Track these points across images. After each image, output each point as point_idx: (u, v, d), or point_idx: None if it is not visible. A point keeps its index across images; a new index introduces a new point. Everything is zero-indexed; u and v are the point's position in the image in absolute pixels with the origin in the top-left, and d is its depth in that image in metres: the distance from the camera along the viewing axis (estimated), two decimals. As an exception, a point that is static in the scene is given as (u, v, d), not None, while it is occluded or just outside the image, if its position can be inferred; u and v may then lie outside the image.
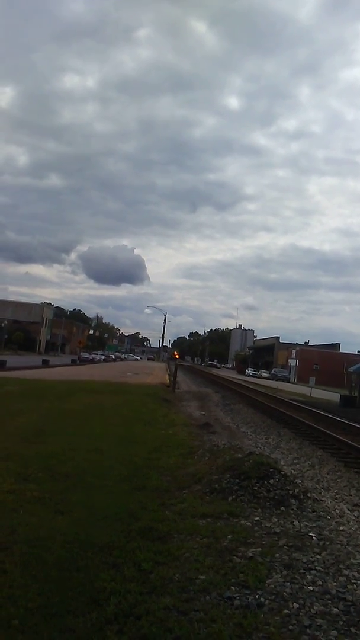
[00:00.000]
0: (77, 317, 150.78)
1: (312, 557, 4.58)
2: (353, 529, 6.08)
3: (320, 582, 4.07)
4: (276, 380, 68.72)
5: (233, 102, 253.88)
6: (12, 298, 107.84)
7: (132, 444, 9.90)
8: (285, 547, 4.82)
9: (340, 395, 36.98)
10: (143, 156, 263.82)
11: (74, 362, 57.91)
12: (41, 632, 3.27)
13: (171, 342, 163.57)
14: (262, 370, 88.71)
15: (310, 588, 3.97)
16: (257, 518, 5.71)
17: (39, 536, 4.72)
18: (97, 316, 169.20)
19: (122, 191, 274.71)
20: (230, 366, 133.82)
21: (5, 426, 10.32)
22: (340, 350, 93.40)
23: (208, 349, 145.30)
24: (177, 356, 43.51)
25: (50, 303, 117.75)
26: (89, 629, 3.33)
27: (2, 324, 75.47)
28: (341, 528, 5.80)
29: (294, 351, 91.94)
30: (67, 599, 3.67)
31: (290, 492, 6.47)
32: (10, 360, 37.35)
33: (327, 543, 5.02)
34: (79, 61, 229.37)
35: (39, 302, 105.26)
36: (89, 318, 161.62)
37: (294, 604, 3.72)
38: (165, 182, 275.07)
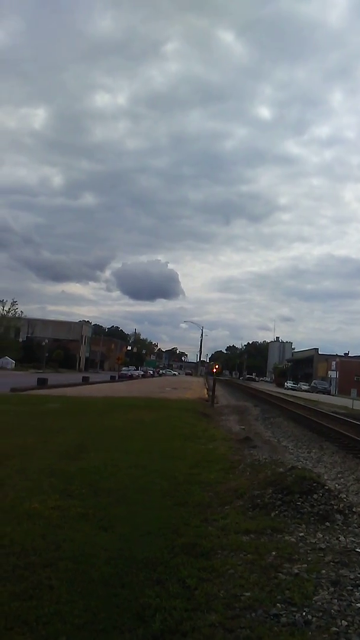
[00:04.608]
0: (114, 334, 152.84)
1: (359, 574, 4.47)
2: None
3: (369, 600, 3.97)
4: (316, 393, 67.57)
5: (264, 111, 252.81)
6: (52, 317, 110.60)
7: (173, 459, 9.91)
8: (331, 563, 4.73)
9: (384, 407, 36.08)
10: (175, 171, 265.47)
11: (113, 379, 58.38)
12: (89, 647, 3.31)
13: (208, 356, 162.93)
14: (302, 383, 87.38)
15: (359, 605, 3.88)
16: (301, 534, 5.62)
17: (83, 552, 4.77)
18: (135, 332, 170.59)
19: (155, 207, 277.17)
20: (268, 379, 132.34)
21: (48, 443, 10.49)
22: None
23: (246, 363, 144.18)
24: (219, 369, 41.19)
25: (88, 321, 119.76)
26: (136, 645, 3.34)
27: (43, 343, 77.15)
28: (389, 544, 5.64)
29: (333, 362, 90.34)
30: (113, 615, 3.69)
31: (335, 507, 6.35)
32: (52, 378, 38.00)
33: (375, 559, 4.89)
34: (109, 79, 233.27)
35: (77, 320, 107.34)
36: (127, 335, 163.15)
37: (342, 621, 3.65)
38: (197, 196, 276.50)
